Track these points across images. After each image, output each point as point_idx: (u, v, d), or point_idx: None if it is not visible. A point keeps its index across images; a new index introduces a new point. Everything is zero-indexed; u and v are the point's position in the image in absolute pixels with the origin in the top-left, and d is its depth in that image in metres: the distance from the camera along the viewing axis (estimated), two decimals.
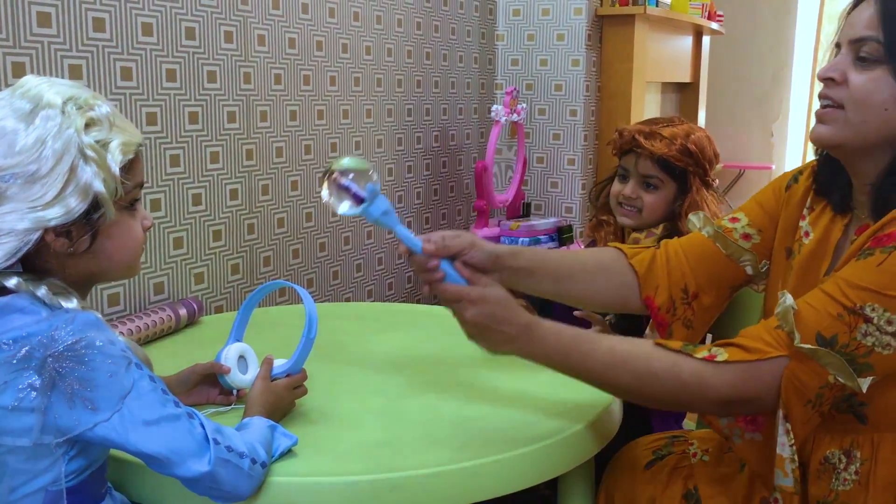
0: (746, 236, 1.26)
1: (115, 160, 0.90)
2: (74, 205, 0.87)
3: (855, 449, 1.05)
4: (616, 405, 1.25)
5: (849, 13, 1.08)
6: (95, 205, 0.89)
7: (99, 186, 0.89)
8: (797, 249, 1.19)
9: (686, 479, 1.21)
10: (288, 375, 1.15)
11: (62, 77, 1.18)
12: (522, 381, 1.31)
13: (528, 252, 1.24)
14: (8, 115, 0.87)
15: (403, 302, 2.64)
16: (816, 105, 1.11)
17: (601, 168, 3.09)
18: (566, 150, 3.05)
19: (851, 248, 1.05)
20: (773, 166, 5.55)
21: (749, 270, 1.26)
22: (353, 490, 1.00)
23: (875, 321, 0.96)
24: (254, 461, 0.93)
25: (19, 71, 1.43)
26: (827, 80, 1.06)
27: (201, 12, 1.79)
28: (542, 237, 2.70)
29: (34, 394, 0.83)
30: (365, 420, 1.17)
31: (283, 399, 1.13)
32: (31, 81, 0.91)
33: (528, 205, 3.01)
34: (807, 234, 1.18)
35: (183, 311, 1.66)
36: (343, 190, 1.06)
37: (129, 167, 0.93)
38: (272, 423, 1.03)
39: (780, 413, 0.99)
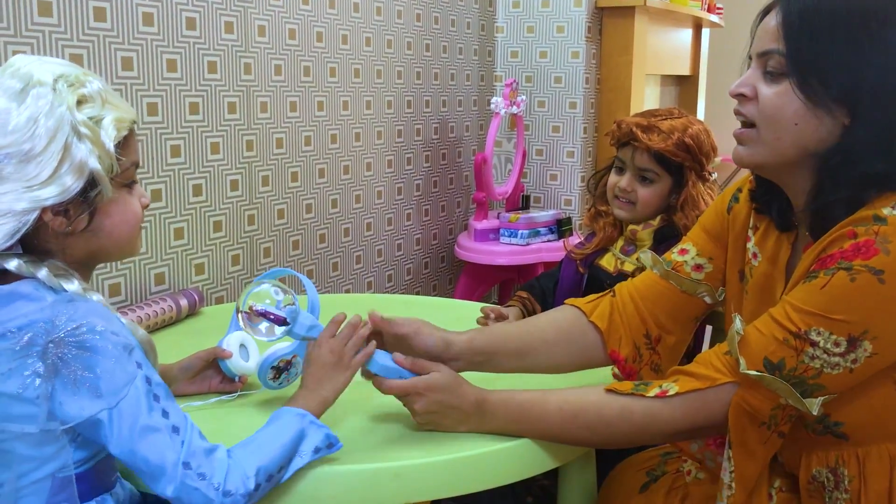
0: (698, 267, 1.22)
1: (108, 136, 0.89)
2: (70, 183, 0.87)
3: (841, 467, 1.04)
4: None
5: (758, 24, 1.06)
6: (92, 182, 0.88)
7: (94, 164, 0.88)
8: (749, 273, 1.16)
9: (682, 500, 1.19)
10: (294, 356, 1.14)
11: None
12: (524, 372, 1.32)
13: (485, 334, 1.21)
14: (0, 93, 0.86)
15: (403, 294, 2.64)
16: None
17: (600, 160, 3.09)
18: (565, 143, 3.05)
19: (799, 268, 1.03)
20: None
21: (707, 300, 1.23)
22: (355, 478, 1.00)
23: (821, 345, 0.95)
24: (228, 493, 0.86)
25: None
26: (738, 96, 1.03)
27: (202, 2, 1.79)
28: (541, 229, 2.70)
29: (38, 381, 0.83)
30: (366, 410, 1.17)
31: (313, 356, 1.05)
32: (20, 60, 0.90)
33: (528, 197, 3.01)
34: (755, 255, 1.15)
35: (184, 302, 1.66)
36: (261, 316, 1.04)
37: (123, 144, 0.92)
38: (301, 413, 0.97)
39: (728, 446, 0.99)
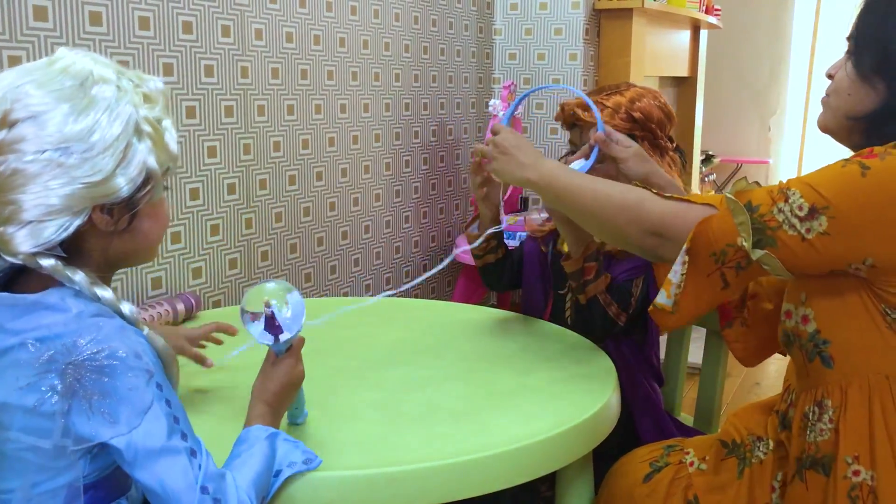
0: None
1: (172, 137, 0.89)
2: (129, 181, 0.85)
3: (826, 398, 1.09)
4: (614, 399, 1.25)
5: None
6: (145, 182, 0.87)
7: (153, 163, 0.87)
8: None
9: (685, 489, 1.20)
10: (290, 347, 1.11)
11: None
12: (520, 376, 1.31)
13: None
14: (47, 92, 0.83)
15: (401, 297, 2.64)
16: (814, 99, 1.21)
17: None
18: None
19: None
20: (771, 160, 5.55)
21: None
22: (351, 484, 1.00)
23: (791, 201, 1.03)
24: None
25: (15, 64, 1.43)
26: (828, 76, 1.17)
27: (198, 6, 1.79)
28: (520, 239, 2.70)
29: (56, 397, 0.82)
30: (363, 414, 1.17)
31: (292, 374, 1.03)
32: (69, 56, 0.87)
33: (526, 199, 3.01)
34: None
35: (181, 306, 1.66)
36: (267, 319, 1.01)
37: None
38: (272, 433, 0.96)
39: (684, 247, 1.07)
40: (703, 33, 3.90)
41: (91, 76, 0.85)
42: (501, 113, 2.71)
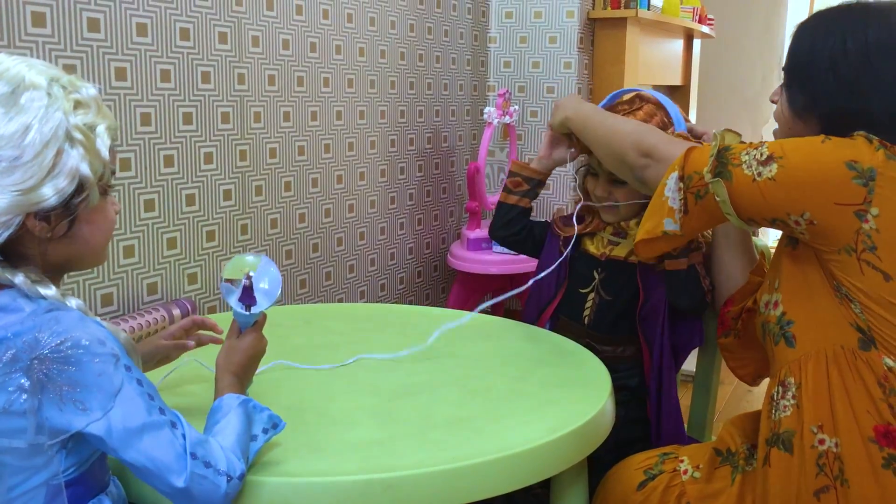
0: None
1: (104, 144, 0.89)
2: (59, 189, 0.86)
3: (788, 376, 1.13)
4: (609, 405, 1.26)
5: None
6: (79, 189, 0.88)
7: (86, 170, 0.87)
8: None
9: (678, 497, 1.22)
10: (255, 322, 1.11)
11: None
12: (514, 382, 1.32)
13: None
14: None
15: (395, 303, 2.65)
16: None
17: None
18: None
19: None
20: None
21: None
22: (346, 490, 1.00)
23: (759, 149, 1.12)
24: (230, 478, 0.89)
25: None
26: (771, 101, 1.27)
27: (196, 13, 1.80)
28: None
29: (24, 396, 0.82)
30: (358, 420, 1.18)
31: (256, 347, 1.07)
32: (5, 61, 0.87)
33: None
34: None
35: (176, 311, 1.66)
36: (244, 288, 1.05)
37: (110, 153, 0.92)
38: (244, 399, 0.99)
39: (676, 174, 1.17)
40: (697, 42, 3.93)
41: (23, 82, 0.85)
42: (496, 120, 2.73)
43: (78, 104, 0.88)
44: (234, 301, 1.04)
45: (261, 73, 1.99)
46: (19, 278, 0.86)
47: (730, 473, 1.22)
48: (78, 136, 0.87)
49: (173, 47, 1.75)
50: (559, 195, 3.04)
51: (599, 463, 1.35)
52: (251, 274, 1.04)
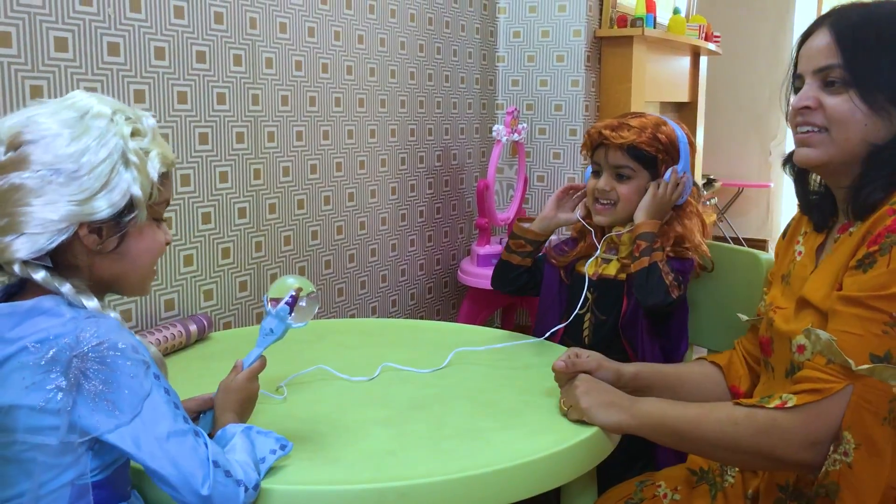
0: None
1: (154, 168, 0.97)
2: (112, 203, 0.93)
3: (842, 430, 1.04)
4: None
5: (802, 45, 1.17)
6: (130, 207, 0.95)
7: (136, 190, 0.94)
8: (791, 271, 1.24)
9: None
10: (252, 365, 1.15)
11: None
12: (524, 395, 1.35)
13: (647, 370, 1.37)
14: (53, 123, 0.93)
15: (407, 318, 2.68)
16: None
17: None
18: (566, 169, 3.10)
19: (840, 249, 1.11)
20: (772, 184, 5.60)
21: None
22: (360, 498, 1.03)
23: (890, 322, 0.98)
24: (246, 488, 0.94)
25: (37, 92, 1.49)
26: (803, 108, 1.14)
27: (212, 37, 1.85)
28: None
29: (60, 395, 0.87)
30: (372, 431, 1.21)
31: (248, 390, 1.12)
32: (78, 95, 0.97)
33: None
34: (799, 253, 1.24)
35: (193, 327, 1.70)
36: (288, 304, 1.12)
37: (163, 179, 0.99)
38: (246, 426, 1.04)
39: (845, 435, 1.01)
40: (703, 59, 3.97)
41: (90, 111, 0.94)
42: (505, 138, 2.77)
43: (136, 132, 0.96)
44: (274, 313, 1.10)
45: (274, 93, 2.04)
46: (66, 287, 0.92)
47: (708, 491, 1.24)
48: (133, 158, 0.94)
49: (190, 70, 1.79)
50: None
51: (609, 473, 1.37)
52: (294, 293, 1.11)
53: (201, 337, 1.72)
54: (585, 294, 1.61)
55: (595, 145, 1.64)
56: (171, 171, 1.02)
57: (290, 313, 1.11)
